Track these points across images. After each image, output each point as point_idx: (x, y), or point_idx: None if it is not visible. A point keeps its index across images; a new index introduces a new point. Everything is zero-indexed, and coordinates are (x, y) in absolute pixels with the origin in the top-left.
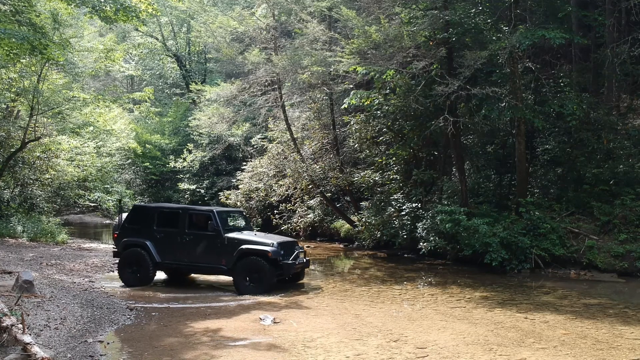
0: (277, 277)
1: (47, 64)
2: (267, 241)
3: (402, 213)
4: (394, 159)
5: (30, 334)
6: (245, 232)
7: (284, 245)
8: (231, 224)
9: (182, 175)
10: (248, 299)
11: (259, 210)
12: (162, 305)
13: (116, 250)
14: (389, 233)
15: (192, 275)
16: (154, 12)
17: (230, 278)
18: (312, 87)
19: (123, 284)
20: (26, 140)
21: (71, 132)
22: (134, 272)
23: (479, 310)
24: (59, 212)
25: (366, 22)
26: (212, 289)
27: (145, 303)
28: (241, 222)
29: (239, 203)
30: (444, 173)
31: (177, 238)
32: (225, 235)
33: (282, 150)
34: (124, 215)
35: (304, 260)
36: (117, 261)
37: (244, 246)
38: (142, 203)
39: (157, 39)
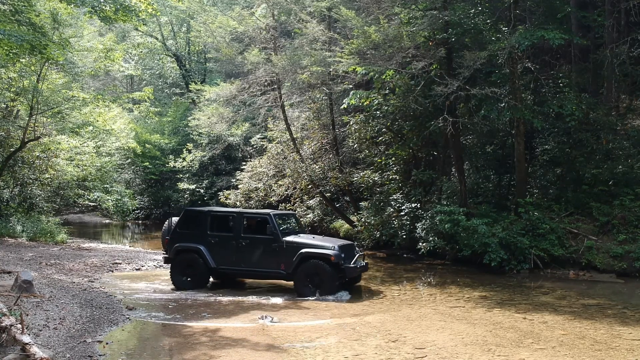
0: (339, 280)
1: (46, 64)
2: (328, 244)
3: (402, 213)
4: (393, 159)
5: (29, 334)
6: (301, 235)
7: (344, 249)
8: (285, 226)
9: (181, 175)
10: (248, 299)
11: None
12: (162, 305)
13: (167, 256)
14: (388, 233)
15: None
16: (153, 12)
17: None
18: (312, 87)
19: (175, 287)
20: (26, 140)
21: (71, 131)
22: (187, 278)
23: (477, 310)
24: (58, 211)
25: (365, 23)
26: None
27: (145, 303)
28: (294, 225)
29: (238, 203)
30: (444, 173)
31: (233, 243)
32: (284, 239)
33: (282, 150)
34: (174, 220)
35: (363, 263)
36: (170, 267)
37: (304, 250)
38: (194, 207)
39: (156, 38)
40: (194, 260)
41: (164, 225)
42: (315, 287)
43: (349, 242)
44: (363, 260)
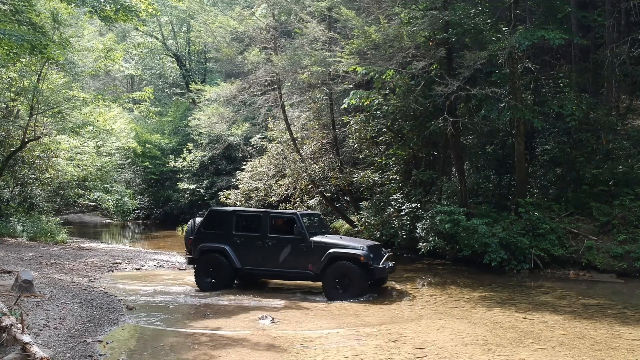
0: (368, 282)
1: (47, 64)
2: (356, 244)
3: (402, 213)
4: (393, 159)
5: (29, 334)
6: (328, 235)
7: (372, 249)
8: (311, 226)
9: (181, 175)
10: (247, 299)
11: None
12: (162, 305)
13: (191, 256)
14: (388, 233)
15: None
16: (153, 11)
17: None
18: (312, 87)
19: (199, 289)
20: (26, 140)
21: (71, 131)
22: (212, 279)
23: (477, 310)
24: (58, 211)
25: (366, 22)
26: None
27: (145, 302)
28: (319, 225)
29: (238, 203)
30: (444, 173)
31: (259, 243)
32: (312, 239)
33: (282, 150)
34: (197, 220)
35: (391, 264)
36: (194, 268)
37: (332, 250)
38: (218, 207)
39: (157, 38)
40: (219, 261)
41: (187, 225)
42: (343, 289)
43: (376, 242)
44: (390, 261)
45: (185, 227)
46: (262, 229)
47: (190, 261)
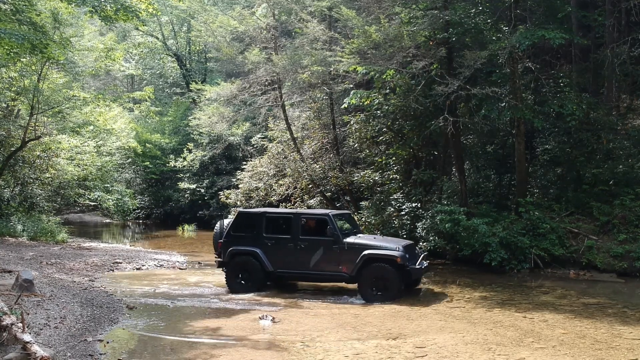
0: (404, 283)
1: (47, 63)
2: (391, 245)
3: (402, 213)
4: (393, 158)
5: (30, 333)
6: (361, 235)
7: (407, 249)
8: (343, 227)
9: (182, 175)
10: (247, 299)
11: None
12: (162, 304)
13: (220, 260)
14: (388, 233)
15: None
16: (154, 11)
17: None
18: (312, 87)
19: (230, 291)
20: (26, 139)
21: (71, 131)
22: (243, 282)
23: (478, 309)
24: (59, 211)
25: (366, 22)
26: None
27: (146, 302)
28: (350, 225)
29: (239, 202)
30: (444, 173)
31: (290, 245)
32: (345, 240)
33: (282, 149)
34: (225, 222)
35: (425, 264)
36: (225, 271)
37: (367, 251)
38: (248, 209)
39: (157, 38)
40: (250, 264)
41: (215, 227)
42: (380, 291)
43: (410, 241)
44: (425, 261)
45: (214, 229)
46: (294, 230)
47: (220, 264)
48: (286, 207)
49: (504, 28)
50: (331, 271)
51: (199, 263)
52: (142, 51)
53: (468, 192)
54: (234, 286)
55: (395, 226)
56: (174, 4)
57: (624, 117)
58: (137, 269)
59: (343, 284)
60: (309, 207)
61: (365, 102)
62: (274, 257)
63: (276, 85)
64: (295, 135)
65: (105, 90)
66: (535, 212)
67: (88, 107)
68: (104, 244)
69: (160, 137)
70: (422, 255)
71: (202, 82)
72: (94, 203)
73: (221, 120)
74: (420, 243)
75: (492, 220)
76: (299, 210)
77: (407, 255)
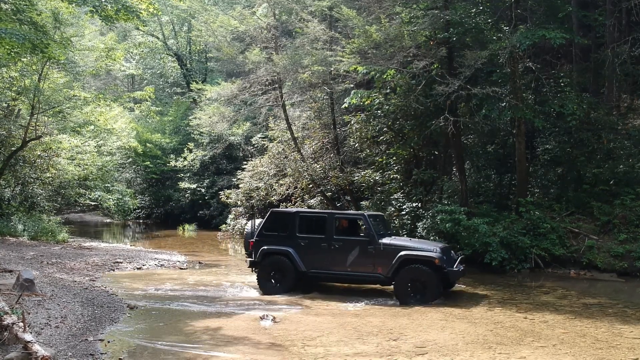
0: (442, 285)
1: (48, 63)
2: (428, 247)
3: (402, 212)
4: (394, 158)
5: (30, 333)
6: (395, 236)
7: (445, 251)
8: (378, 228)
9: (182, 175)
10: (247, 299)
11: (260, 210)
12: (163, 304)
13: (252, 259)
14: None
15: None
16: (154, 11)
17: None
18: (313, 87)
19: (262, 292)
20: (27, 139)
21: (72, 131)
22: (275, 282)
23: (478, 309)
24: (59, 210)
25: (367, 22)
26: None
27: (146, 301)
28: (383, 226)
29: (239, 202)
30: (444, 173)
31: (324, 245)
32: (381, 241)
33: (283, 149)
34: (257, 222)
35: (462, 267)
36: (257, 271)
37: (404, 252)
38: (280, 208)
39: (157, 38)
40: (283, 264)
41: (246, 227)
42: (417, 293)
43: (446, 244)
44: (462, 264)
45: (244, 229)
46: (328, 230)
47: (251, 264)
48: (287, 207)
49: (505, 28)
50: (366, 272)
51: (199, 263)
52: (142, 51)
53: (468, 192)
54: (265, 286)
55: (395, 226)
56: (174, 4)
57: (625, 116)
58: (138, 268)
59: (376, 286)
60: (309, 207)
61: (366, 102)
62: (307, 257)
63: (277, 85)
64: (295, 135)
65: (105, 90)
66: (535, 212)
67: (89, 107)
68: (104, 243)
69: (161, 136)
70: (459, 258)
71: (202, 82)
72: (94, 203)
73: (222, 120)
74: None
75: (493, 220)
76: (333, 210)
77: (444, 257)
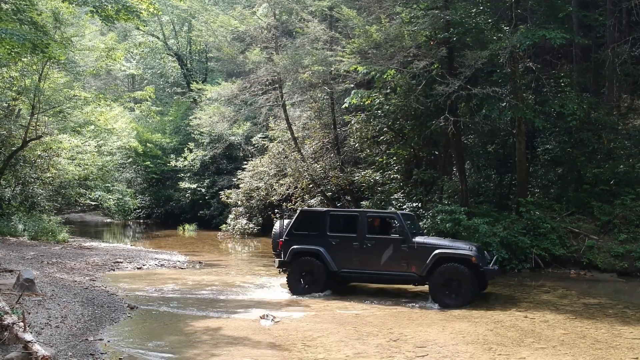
0: (479, 285)
1: (48, 63)
2: (463, 245)
3: None
4: (394, 158)
5: (31, 332)
6: (427, 236)
7: (480, 250)
8: (410, 227)
9: (183, 174)
10: (247, 299)
11: (260, 210)
12: (163, 304)
13: (281, 259)
14: None
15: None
16: (155, 11)
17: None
18: (313, 87)
19: (292, 293)
20: (27, 139)
21: (72, 130)
22: (305, 282)
23: (478, 309)
24: (59, 210)
25: (367, 22)
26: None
27: (146, 301)
28: (414, 226)
29: (239, 202)
30: (445, 173)
31: (356, 244)
32: (414, 239)
33: (283, 149)
34: (285, 222)
35: (496, 267)
36: (287, 272)
37: (439, 251)
38: (310, 207)
39: (158, 38)
40: (314, 264)
41: (274, 227)
42: (453, 292)
43: (478, 244)
44: (497, 264)
45: (273, 229)
46: (359, 229)
47: (281, 264)
48: (287, 207)
49: (505, 28)
50: (399, 271)
51: (199, 263)
52: (142, 51)
53: (469, 192)
54: (296, 287)
55: None
56: (174, 4)
57: (625, 116)
58: (138, 268)
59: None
60: (309, 207)
61: (366, 102)
62: (338, 257)
63: (277, 85)
64: (296, 135)
65: (106, 89)
66: (536, 212)
67: (89, 107)
68: (104, 243)
69: (161, 136)
70: (495, 257)
71: (202, 82)
72: (94, 203)
73: (222, 119)
74: None
75: (493, 220)
76: (364, 209)
77: (480, 256)
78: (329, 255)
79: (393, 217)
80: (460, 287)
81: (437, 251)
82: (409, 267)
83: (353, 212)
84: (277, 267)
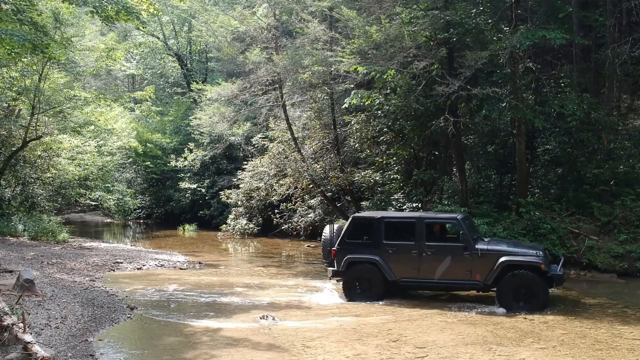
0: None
1: (48, 63)
2: (531, 251)
3: None
4: (394, 158)
5: (31, 333)
6: (487, 239)
7: (546, 254)
8: (470, 231)
9: (183, 175)
10: (247, 300)
11: (260, 210)
12: (163, 304)
13: (334, 269)
14: None
15: None
16: (155, 12)
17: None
18: (313, 87)
19: (347, 299)
20: (27, 139)
21: (72, 131)
22: (363, 292)
23: (478, 310)
24: (59, 210)
25: (367, 22)
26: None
27: (146, 302)
28: (472, 227)
29: (239, 202)
30: (445, 173)
31: (414, 252)
32: (477, 246)
33: (283, 149)
34: (335, 227)
35: (562, 270)
36: (342, 282)
37: (505, 258)
38: (363, 214)
39: (158, 38)
40: (370, 273)
41: (324, 234)
42: (522, 300)
43: (542, 246)
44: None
45: (322, 235)
46: (418, 236)
47: (335, 274)
48: (287, 207)
49: (505, 28)
50: (463, 280)
51: (199, 263)
52: (143, 51)
53: (469, 192)
54: (353, 297)
55: None
56: (175, 4)
57: (625, 117)
58: (138, 268)
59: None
60: (309, 207)
61: (366, 102)
62: (396, 265)
63: (277, 85)
64: (296, 135)
65: (106, 90)
66: (535, 212)
67: (89, 107)
68: (104, 243)
69: (161, 136)
70: (561, 260)
71: (203, 82)
72: (94, 203)
73: (222, 120)
74: None
75: (493, 221)
76: (421, 214)
77: (548, 261)
78: (386, 264)
79: (454, 222)
80: (530, 294)
81: (503, 259)
82: (473, 275)
83: (410, 218)
84: (330, 277)
